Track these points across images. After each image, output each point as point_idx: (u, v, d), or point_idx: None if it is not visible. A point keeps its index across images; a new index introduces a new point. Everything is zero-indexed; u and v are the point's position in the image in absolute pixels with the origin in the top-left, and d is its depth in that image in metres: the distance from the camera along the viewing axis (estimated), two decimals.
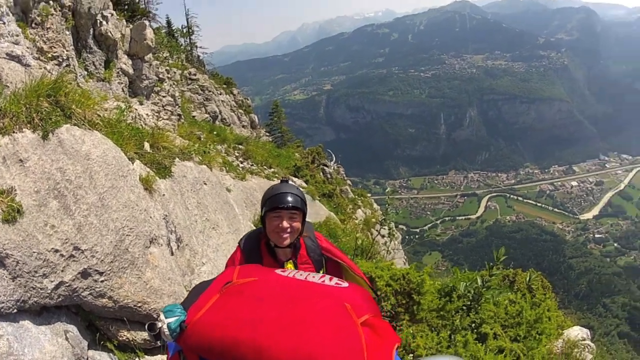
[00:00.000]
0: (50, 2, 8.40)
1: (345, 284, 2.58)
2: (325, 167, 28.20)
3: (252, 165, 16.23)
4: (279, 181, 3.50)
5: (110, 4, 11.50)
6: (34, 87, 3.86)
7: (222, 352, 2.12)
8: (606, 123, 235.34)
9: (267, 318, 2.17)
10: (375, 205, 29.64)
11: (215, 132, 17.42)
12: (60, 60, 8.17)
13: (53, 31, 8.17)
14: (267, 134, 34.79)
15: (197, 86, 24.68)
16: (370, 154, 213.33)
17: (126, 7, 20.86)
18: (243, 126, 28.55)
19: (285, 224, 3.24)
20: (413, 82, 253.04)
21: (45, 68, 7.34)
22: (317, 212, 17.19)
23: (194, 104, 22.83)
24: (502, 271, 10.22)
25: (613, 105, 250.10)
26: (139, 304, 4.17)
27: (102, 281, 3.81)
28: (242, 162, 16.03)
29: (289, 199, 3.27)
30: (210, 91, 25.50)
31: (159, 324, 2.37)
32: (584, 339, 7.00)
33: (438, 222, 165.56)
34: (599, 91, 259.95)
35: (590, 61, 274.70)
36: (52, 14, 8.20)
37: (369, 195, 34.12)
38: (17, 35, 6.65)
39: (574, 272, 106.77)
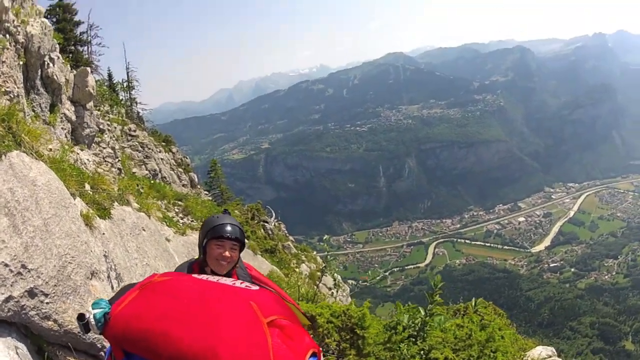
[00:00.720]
0: (7, 35, 8.49)
1: (255, 288, 2.78)
2: (265, 224, 28.24)
3: (192, 221, 16.22)
4: (222, 211, 3.74)
5: (57, 46, 11.53)
6: None
7: (140, 343, 2.32)
8: (548, 156, 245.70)
9: (179, 313, 2.38)
10: (319, 260, 29.58)
11: (154, 187, 17.39)
12: (12, 96, 8.17)
13: (7, 66, 8.17)
14: (207, 192, 34.67)
15: (137, 143, 24.55)
16: (312, 212, 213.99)
17: (70, 55, 20.82)
18: (183, 185, 28.37)
19: (227, 253, 3.42)
20: (350, 137, 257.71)
21: None
22: (260, 266, 17.15)
23: (134, 161, 22.67)
24: (452, 306, 10.48)
25: (553, 138, 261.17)
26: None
27: (47, 303, 3.93)
28: (182, 218, 16.02)
29: (232, 229, 3.47)
30: (150, 148, 25.40)
31: (87, 315, 2.63)
32: (550, 356, 7.23)
33: (387, 273, 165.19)
34: (538, 126, 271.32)
35: (527, 99, 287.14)
36: (7, 48, 8.26)
37: (313, 252, 34.01)
38: None
39: (533, 304, 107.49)
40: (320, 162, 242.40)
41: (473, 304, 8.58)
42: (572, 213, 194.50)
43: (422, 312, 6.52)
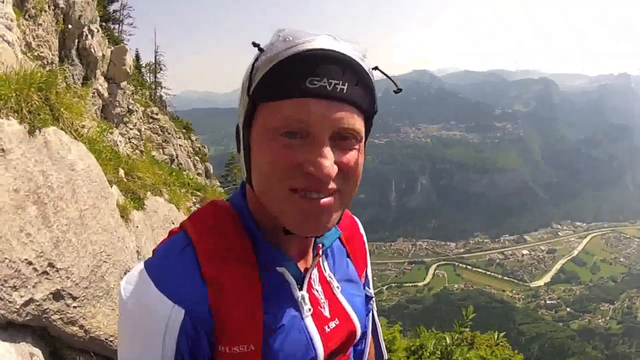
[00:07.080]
0: None
1: None
2: None
3: None
4: None
5: (98, 18, 11.00)
6: (26, 75, 3.40)
7: None
8: (560, 190, 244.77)
9: None
10: None
11: (177, 175, 16.86)
12: (46, 62, 7.61)
13: (43, 29, 7.63)
14: (220, 185, 34.09)
15: (157, 126, 24.07)
16: None
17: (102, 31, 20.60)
18: (198, 174, 27.77)
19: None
20: (367, 149, 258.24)
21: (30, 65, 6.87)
22: None
23: (153, 144, 22.22)
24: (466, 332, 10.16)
25: (568, 172, 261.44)
26: (111, 338, 3.63)
27: (75, 307, 3.31)
28: None
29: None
30: (169, 133, 24.91)
31: None
32: None
33: (384, 288, 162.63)
34: (554, 159, 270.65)
35: (546, 130, 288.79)
36: (45, 11, 7.71)
37: None
38: (12, 21, 6.13)
39: (524, 338, 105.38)
40: None
41: (495, 337, 8.15)
42: (576, 252, 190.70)
43: (448, 340, 6.28)
